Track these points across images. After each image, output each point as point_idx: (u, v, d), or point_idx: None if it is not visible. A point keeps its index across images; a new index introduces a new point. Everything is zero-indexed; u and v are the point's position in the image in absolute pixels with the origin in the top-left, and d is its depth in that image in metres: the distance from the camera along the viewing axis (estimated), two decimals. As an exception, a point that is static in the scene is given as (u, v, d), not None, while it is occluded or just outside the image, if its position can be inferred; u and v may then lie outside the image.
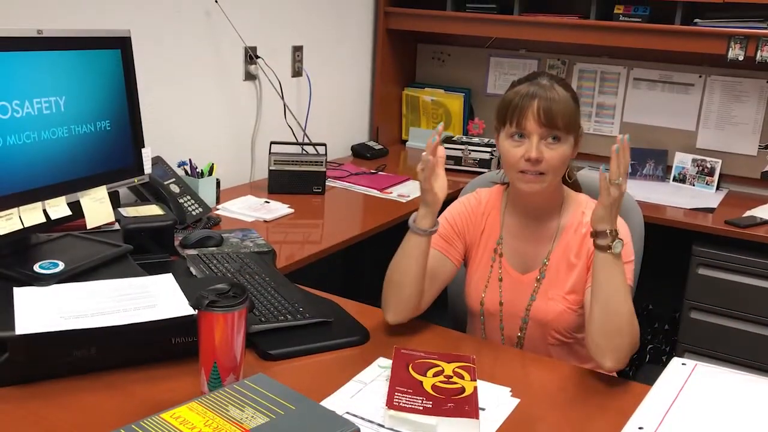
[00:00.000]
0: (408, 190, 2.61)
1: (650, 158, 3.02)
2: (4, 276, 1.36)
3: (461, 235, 1.58)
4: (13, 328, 1.15)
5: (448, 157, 2.96)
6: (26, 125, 1.37)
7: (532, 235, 1.54)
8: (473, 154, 2.95)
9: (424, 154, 1.39)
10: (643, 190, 2.77)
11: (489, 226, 1.58)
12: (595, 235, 1.32)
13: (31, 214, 1.37)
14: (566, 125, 1.42)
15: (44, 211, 1.40)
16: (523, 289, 1.53)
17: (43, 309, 1.22)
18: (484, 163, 2.94)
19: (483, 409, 1.20)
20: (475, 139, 3.07)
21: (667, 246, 2.54)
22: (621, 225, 1.45)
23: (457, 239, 1.57)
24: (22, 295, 1.26)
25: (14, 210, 1.34)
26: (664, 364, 1.12)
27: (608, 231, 1.31)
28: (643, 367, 2.86)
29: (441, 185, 1.41)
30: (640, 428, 0.96)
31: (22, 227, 1.35)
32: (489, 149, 2.95)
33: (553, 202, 1.53)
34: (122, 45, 1.57)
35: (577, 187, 1.61)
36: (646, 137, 3.09)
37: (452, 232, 1.56)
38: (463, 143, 2.99)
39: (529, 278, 1.53)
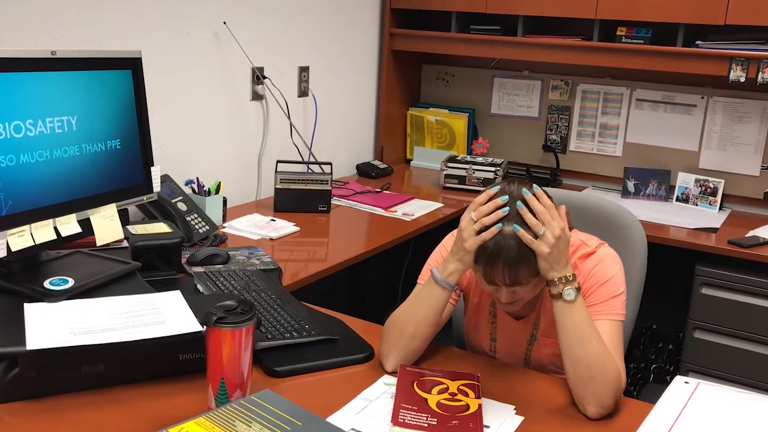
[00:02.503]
0: (412, 209, 2.62)
1: (653, 178, 3.03)
2: (15, 292, 1.38)
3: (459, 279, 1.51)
4: (23, 343, 1.16)
5: (453, 177, 2.99)
6: (39, 144, 1.39)
7: None
8: (477, 173, 2.97)
9: (486, 217, 1.28)
10: (646, 210, 2.78)
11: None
12: (547, 284, 1.31)
13: (43, 231, 1.39)
14: (533, 276, 1.31)
15: (55, 228, 1.42)
16: (519, 335, 1.53)
17: (52, 325, 1.23)
18: (488, 183, 2.95)
19: (487, 427, 1.20)
20: (479, 159, 3.09)
21: (671, 266, 2.55)
22: (610, 256, 1.44)
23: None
24: (32, 311, 1.27)
25: (26, 227, 1.36)
26: (668, 383, 1.12)
27: (556, 279, 1.28)
28: (646, 386, 2.86)
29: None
30: (643, 446, 0.97)
31: (33, 244, 1.37)
32: (493, 168, 2.97)
33: None
34: (133, 65, 1.59)
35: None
36: (649, 157, 3.11)
37: None
38: (467, 163, 3.01)
39: (525, 323, 1.52)
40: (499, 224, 1.27)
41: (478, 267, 1.32)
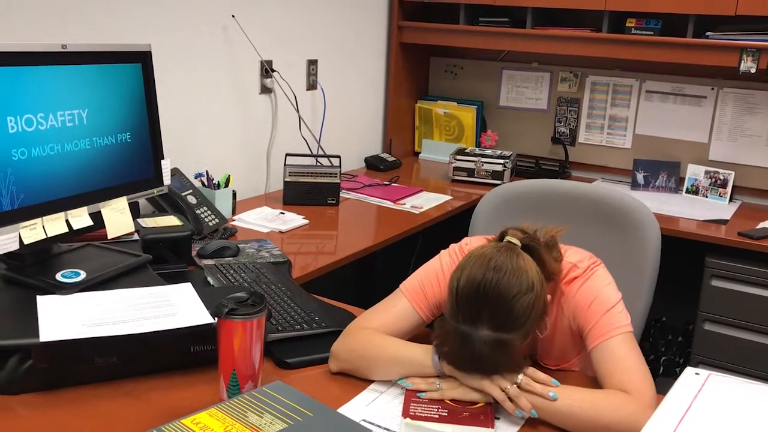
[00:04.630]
0: (421, 202, 2.62)
1: (663, 170, 3.02)
2: (28, 285, 1.39)
3: (434, 302, 1.39)
4: (36, 335, 1.17)
5: (461, 169, 2.98)
6: (50, 137, 1.40)
7: None
8: (486, 166, 2.96)
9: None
10: (656, 202, 2.77)
11: None
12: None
13: (55, 224, 1.39)
14: (516, 367, 1.24)
15: (67, 221, 1.42)
16: None
17: (65, 317, 1.24)
18: (497, 175, 2.95)
19: (498, 419, 1.21)
20: (488, 151, 3.08)
21: (681, 258, 2.54)
22: (596, 273, 1.34)
23: (428, 305, 1.39)
24: (45, 304, 1.28)
25: (38, 220, 1.36)
26: (678, 376, 1.12)
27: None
28: (656, 379, 2.84)
29: None
30: (654, 437, 0.97)
31: (45, 237, 1.37)
32: (502, 161, 2.96)
33: None
34: (143, 59, 1.60)
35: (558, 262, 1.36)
36: (658, 149, 3.10)
37: (423, 297, 1.38)
38: (476, 155, 3.01)
39: None
40: (464, 328, 1.17)
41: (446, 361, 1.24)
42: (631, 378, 1.23)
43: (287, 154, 2.56)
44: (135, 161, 1.59)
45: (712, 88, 2.97)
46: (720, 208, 2.80)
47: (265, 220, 2.28)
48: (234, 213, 2.33)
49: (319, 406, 1.02)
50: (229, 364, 1.15)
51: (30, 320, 1.22)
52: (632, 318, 1.33)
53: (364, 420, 1.18)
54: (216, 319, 1.15)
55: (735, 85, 2.92)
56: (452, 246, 1.45)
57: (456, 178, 2.99)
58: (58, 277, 1.41)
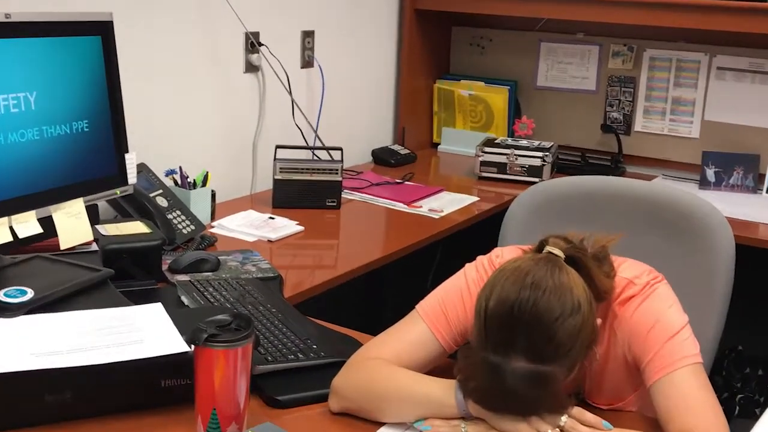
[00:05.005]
0: (441, 204, 2.63)
1: (738, 165, 3.01)
2: (-36, 305, 1.40)
3: (457, 328, 1.40)
4: (-26, 367, 1.18)
5: (491, 164, 2.98)
6: (-10, 126, 1.41)
7: None
8: (520, 160, 2.97)
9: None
10: (730, 204, 2.76)
11: None
12: None
13: (-4, 232, 1.41)
14: (557, 407, 1.25)
15: (11, 228, 1.43)
16: None
17: (9, 345, 1.25)
18: (535, 171, 2.95)
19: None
20: (523, 142, 3.09)
21: (761, 272, 2.53)
22: (656, 292, 1.34)
23: (451, 330, 1.40)
24: (-16, 329, 1.29)
25: (-24, 227, 1.38)
26: (758, 417, 1.12)
27: None
28: (731, 421, 2.83)
29: None
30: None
31: (-15, 247, 1.39)
32: (540, 154, 2.96)
33: None
34: (103, 30, 1.61)
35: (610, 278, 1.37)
36: (733, 139, 3.09)
37: (444, 321, 1.40)
38: (508, 147, 3.01)
39: None
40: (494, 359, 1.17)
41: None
42: (699, 419, 1.24)
43: (278, 147, 2.57)
44: (93, 155, 1.61)
45: (799, 64, 2.97)
46: (809, 211, 2.80)
47: (250, 227, 2.29)
48: (213, 218, 2.34)
49: (318, 453, 1.02)
50: (209, 402, 1.16)
51: (-33, 348, 1.23)
52: (701, 346, 1.33)
53: (372, 471, 1.19)
54: (192, 347, 1.16)
55: (827, 61, 2.92)
56: (480, 258, 1.45)
57: (484, 174, 3.00)
58: (1, 296, 1.42)
